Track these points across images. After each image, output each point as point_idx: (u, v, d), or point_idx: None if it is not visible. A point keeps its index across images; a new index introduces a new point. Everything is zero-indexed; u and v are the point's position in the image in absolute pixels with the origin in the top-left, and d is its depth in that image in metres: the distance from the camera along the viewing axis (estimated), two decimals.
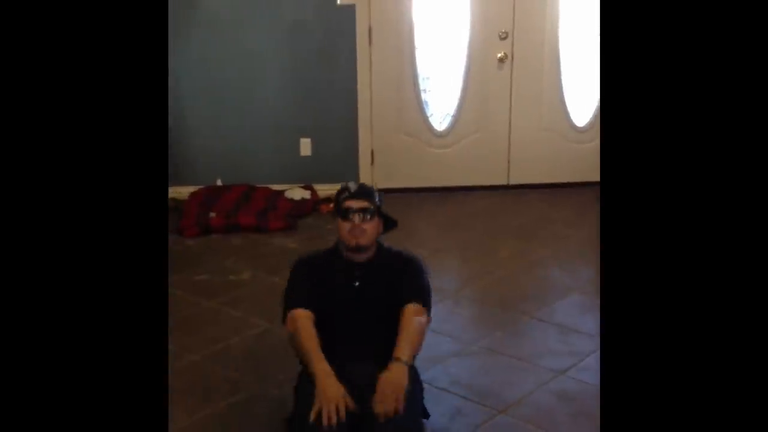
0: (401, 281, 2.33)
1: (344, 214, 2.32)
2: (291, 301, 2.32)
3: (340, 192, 2.38)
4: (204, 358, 2.93)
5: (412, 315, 2.25)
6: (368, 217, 2.31)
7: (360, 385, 2.13)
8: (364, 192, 2.36)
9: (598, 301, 3.42)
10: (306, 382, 2.19)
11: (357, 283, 2.33)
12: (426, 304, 2.32)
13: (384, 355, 2.20)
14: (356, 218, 2.29)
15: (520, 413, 2.54)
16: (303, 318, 2.25)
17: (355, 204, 2.31)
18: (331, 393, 2.04)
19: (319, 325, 2.28)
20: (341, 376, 2.15)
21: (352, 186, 2.37)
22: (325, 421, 1.98)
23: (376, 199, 2.36)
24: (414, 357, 2.20)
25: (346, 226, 2.31)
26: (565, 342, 3.04)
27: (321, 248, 2.52)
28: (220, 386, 2.73)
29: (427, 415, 2.33)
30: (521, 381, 2.75)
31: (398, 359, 2.12)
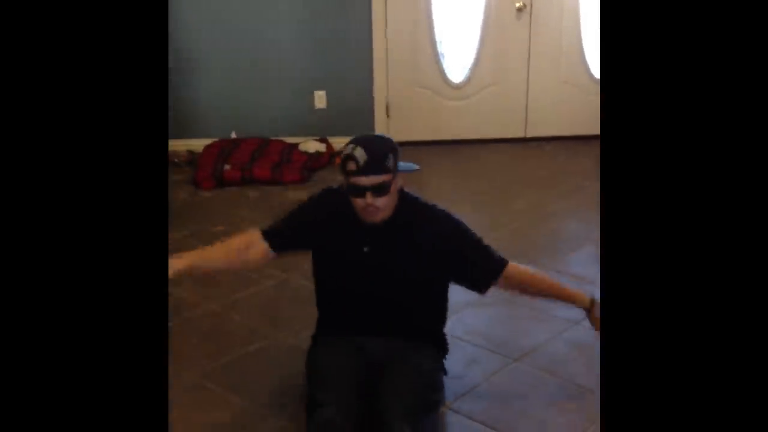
0: (447, 251, 2.09)
1: (353, 191, 1.97)
2: (270, 227, 2.14)
3: (345, 161, 1.96)
4: (223, 307, 2.97)
5: (528, 272, 2.18)
6: (383, 192, 1.96)
7: (373, 362, 2.08)
8: (375, 163, 1.92)
9: None
10: (314, 354, 2.17)
11: (366, 249, 2.06)
12: (501, 259, 2.17)
13: (400, 330, 2.11)
14: (369, 197, 1.95)
15: (535, 361, 2.56)
16: (243, 236, 2.11)
17: (366, 181, 1.93)
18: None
19: (329, 291, 2.19)
20: (354, 349, 2.09)
21: (360, 156, 1.92)
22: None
23: (390, 165, 1.95)
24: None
25: (358, 202, 1.98)
26: None
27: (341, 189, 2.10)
28: (239, 334, 2.77)
29: (445, 372, 2.31)
30: (536, 331, 2.77)
31: (592, 301, 2.19)
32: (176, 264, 1.97)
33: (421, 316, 2.19)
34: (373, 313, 2.12)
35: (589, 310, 2.24)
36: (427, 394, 2.09)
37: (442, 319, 2.30)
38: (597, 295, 2.11)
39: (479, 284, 2.19)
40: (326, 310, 2.25)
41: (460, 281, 2.21)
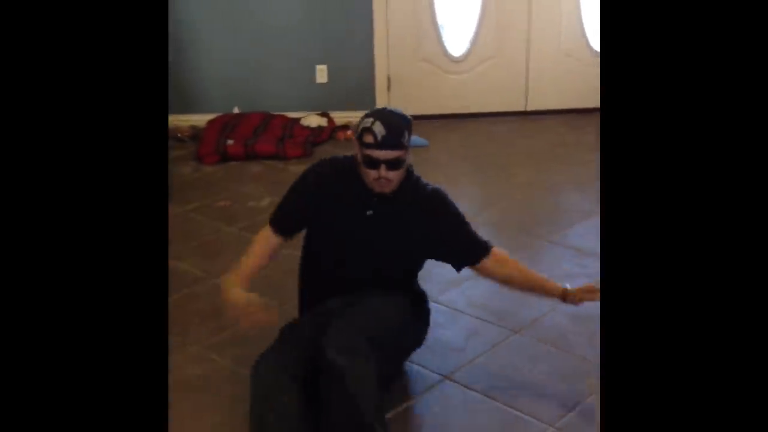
0: (438, 232, 2.18)
1: (369, 163, 2.04)
2: (276, 214, 2.24)
3: (363, 133, 2.04)
4: None
5: (508, 261, 2.21)
6: (397, 166, 2.06)
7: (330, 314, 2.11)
8: (393, 138, 2.01)
9: None
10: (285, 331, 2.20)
11: (370, 212, 2.14)
12: (485, 245, 2.22)
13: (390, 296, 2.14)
14: (383, 169, 2.04)
15: (535, 333, 2.60)
16: (262, 240, 2.21)
17: (382, 155, 2.02)
18: (235, 298, 2.05)
19: (324, 251, 2.23)
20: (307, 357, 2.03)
21: (378, 131, 2.00)
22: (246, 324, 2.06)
23: (405, 141, 2.04)
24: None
25: (371, 173, 2.05)
26: (581, 265, 3.07)
27: (341, 156, 2.25)
28: None
29: (426, 323, 2.32)
30: (536, 303, 2.79)
31: (564, 291, 2.17)
32: (239, 294, 2.09)
33: (396, 279, 2.25)
34: (366, 274, 2.17)
35: (563, 299, 2.22)
36: (380, 332, 2.01)
37: (414, 274, 2.34)
38: (568, 286, 2.20)
39: (459, 264, 2.27)
40: (309, 280, 2.32)
41: (444, 259, 2.28)
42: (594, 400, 2.24)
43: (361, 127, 2.06)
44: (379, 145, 2.01)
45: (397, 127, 2.04)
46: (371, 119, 2.04)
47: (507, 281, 2.26)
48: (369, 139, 2.02)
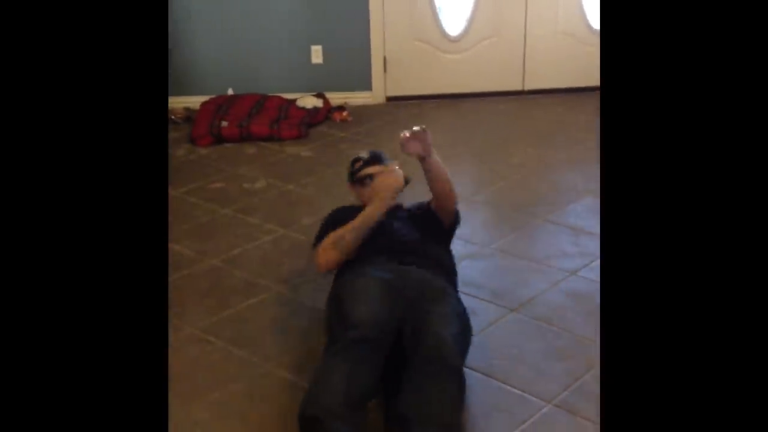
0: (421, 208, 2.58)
1: (361, 181, 2.52)
2: (316, 237, 2.47)
3: (353, 163, 2.58)
4: (222, 262, 2.99)
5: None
6: None
7: (411, 287, 2.19)
8: (377, 157, 2.54)
9: None
10: (344, 282, 2.25)
11: (391, 221, 2.45)
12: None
13: (425, 263, 2.31)
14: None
15: (532, 311, 2.59)
16: (323, 257, 2.35)
17: (372, 170, 2.49)
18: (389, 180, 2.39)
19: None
20: (394, 275, 2.22)
21: (364, 154, 2.57)
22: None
23: (388, 162, 2.54)
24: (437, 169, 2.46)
25: (365, 193, 2.49)
26: (577, 243, 3.06)
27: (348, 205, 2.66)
28: (239, 289, 2.79)
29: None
30: (533, 281, 2.79)
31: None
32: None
33: (440, 256, 2.47)
34: (397, 248, 2.36)
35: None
36: (466, 334, 2.20)
37: (454, 270, 2.53)
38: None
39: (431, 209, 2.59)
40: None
41: (435, 217, 2.56)
42: (592, 377, 2.24)
43: (350, 170, 2.59)
44: (368, 161, 2.53)
45: (379, 152, 2.62)
46: (356, 155, 2.62)
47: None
48: (359, 164, 2.55)
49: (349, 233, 2.32)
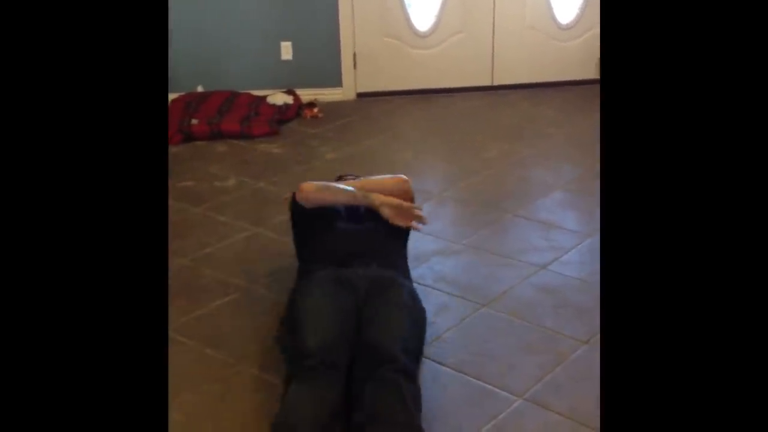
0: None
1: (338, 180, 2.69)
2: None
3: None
4: (194, 261, 2.97)
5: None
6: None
7: (360, 287, 2.24)
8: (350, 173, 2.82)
9: (580, 199, 3.48)
10: (301, 295, 2.26)
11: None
12: None
13: (385, 262, 2.36)
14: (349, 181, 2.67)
15: (503, 306, 2.62)
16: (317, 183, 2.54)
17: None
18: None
19: (322, 232, 2.48)
20: (341, 279, 2.25)
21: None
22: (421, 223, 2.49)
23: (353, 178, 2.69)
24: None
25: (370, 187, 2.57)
26: (547, 238, 3.10)
27: None
28: (211, 287, 2.78)
29: None
30: (504, 276, 2.82)
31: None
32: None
33: (393, 248, 2.53)
34: (359, 245, 2.43)
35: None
36: (418, 329, 2.26)
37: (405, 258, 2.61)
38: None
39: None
40: (313, 247, 2.50)
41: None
42: (563, 371, 2.27)
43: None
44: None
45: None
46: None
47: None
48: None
49: (330, 193, 2.51)
